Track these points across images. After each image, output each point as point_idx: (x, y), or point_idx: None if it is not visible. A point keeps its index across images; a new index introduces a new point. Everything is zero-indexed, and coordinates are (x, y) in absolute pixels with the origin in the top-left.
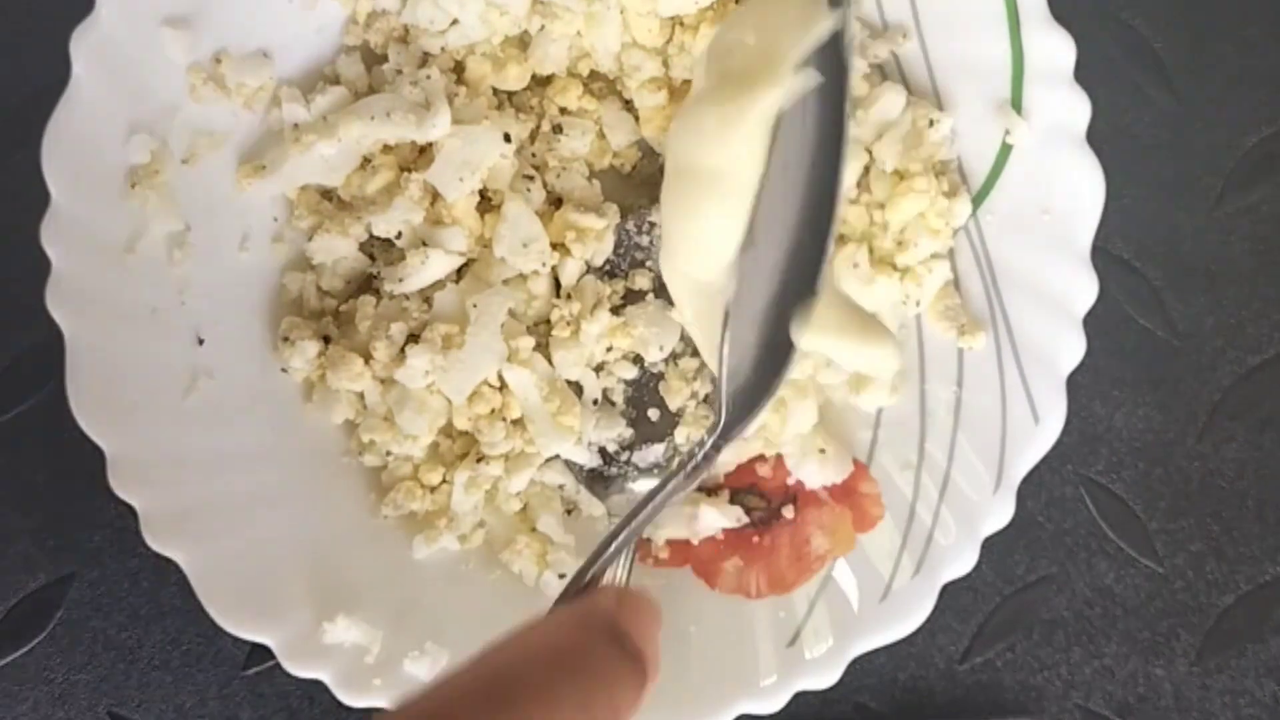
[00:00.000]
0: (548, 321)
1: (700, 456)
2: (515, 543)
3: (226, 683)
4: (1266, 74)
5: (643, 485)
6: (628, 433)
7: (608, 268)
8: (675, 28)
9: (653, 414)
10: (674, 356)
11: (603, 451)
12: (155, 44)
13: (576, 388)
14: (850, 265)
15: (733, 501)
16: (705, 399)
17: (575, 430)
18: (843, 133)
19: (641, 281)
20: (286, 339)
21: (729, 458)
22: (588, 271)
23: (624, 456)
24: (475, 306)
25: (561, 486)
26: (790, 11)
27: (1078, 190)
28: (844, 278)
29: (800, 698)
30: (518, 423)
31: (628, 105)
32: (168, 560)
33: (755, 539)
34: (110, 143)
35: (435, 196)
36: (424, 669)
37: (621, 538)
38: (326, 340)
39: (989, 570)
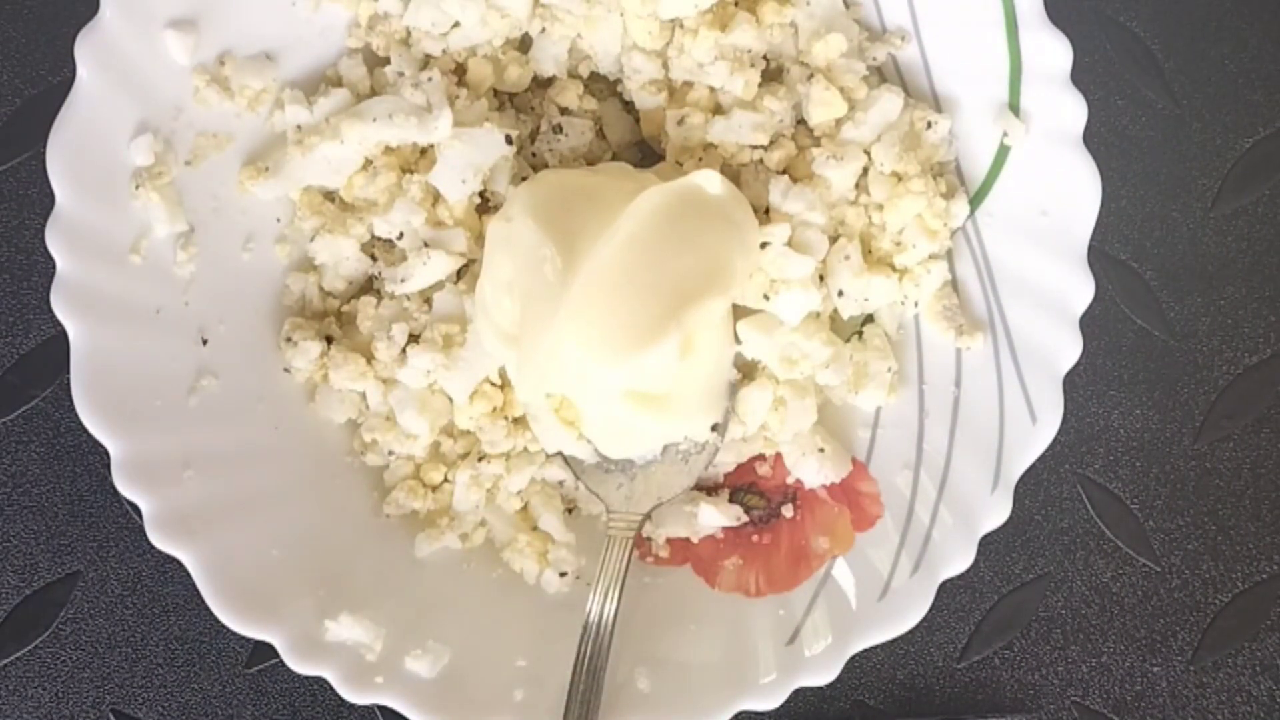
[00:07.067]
0: None
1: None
2: (516, 541)
3: (230, 680)
4: (1263, 77)
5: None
6: None
7: None
8: (675, 30)
9: None
10: None
11: None
12: (159, 46)
13: None
14: (842, 258)
15: (732, 500)
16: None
17: (576, 426)
18: None
19: None
20: (289, 339)
21: (729, 458)
22: None
23: None
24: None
25: (561, 483)
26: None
27: (1075, 191)
28: (836, 270)
29: (799, 695)
30: (519, 421)
31: (627, 106)
32: (172, 559)
33: (755, 538)
34: (114, 145)
35: (436, 198)
36: (426, 666)
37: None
38: (329, 340)
39: (986, 569)
